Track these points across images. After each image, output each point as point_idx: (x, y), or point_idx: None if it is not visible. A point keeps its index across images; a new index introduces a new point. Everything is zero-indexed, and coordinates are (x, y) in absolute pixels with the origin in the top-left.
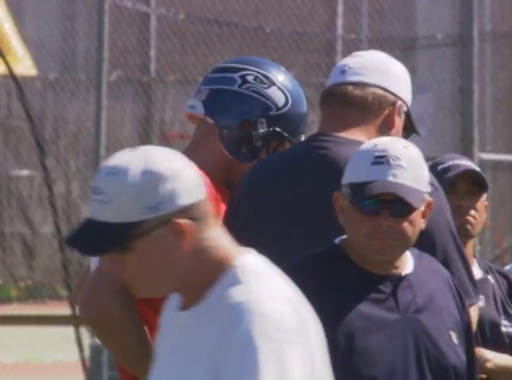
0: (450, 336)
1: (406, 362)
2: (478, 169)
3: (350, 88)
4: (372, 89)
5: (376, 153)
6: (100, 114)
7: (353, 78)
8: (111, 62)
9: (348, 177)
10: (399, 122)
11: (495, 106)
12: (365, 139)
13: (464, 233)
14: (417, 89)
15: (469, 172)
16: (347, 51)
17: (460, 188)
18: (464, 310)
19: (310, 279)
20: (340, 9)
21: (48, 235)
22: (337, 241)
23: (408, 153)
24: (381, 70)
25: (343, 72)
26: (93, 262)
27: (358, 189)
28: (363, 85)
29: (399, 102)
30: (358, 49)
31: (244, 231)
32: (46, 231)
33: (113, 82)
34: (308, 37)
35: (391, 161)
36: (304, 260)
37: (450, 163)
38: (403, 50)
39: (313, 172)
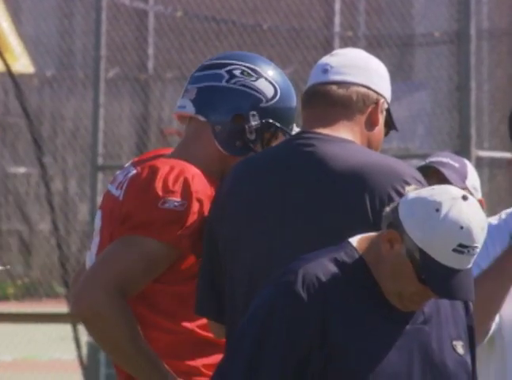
0: (454, 347)
1: (413, 374)
2: (431, 164)
3: (334, 87)
4: (356, 88)
5: (463, 241)
6: (97, 111)
7: (336, 77)
8: (108, 59)
9: (420, 240)
10: (381, 119)
11: (492, 103)
12: (350, 137)
13: None
14: (414, 87)
15: (425, 167)
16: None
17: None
18: (467, 315)
19: (333, 284)
20: (337, 7)
21: (45, 232)
22: (356, 243)
23: (484, 234)
24: (363, 68)
25: (325, 71)
26: (89, 259)
27: (433, 269)
28: (346, 84)
29: (382, 99)
30: (355, 46)
31: (231, 232)
32: (43, 228)
33: (111, 79)
34: (306, 34)
35: (471, 252)
36: (324, 260)
37: (431, 159)
38: (401, 47)
39: (300, 169)
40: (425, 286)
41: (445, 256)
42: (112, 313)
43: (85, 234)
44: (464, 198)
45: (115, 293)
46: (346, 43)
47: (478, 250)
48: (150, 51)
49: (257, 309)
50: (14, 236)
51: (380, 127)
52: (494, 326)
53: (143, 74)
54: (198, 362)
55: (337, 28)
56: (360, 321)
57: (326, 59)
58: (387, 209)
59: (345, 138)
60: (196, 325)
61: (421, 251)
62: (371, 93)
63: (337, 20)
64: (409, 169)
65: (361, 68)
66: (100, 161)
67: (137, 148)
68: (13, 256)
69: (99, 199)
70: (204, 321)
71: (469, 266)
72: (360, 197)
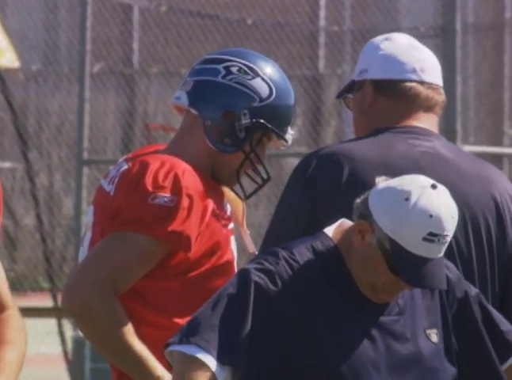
0: (428, 336)
1: (389, 364)
2: None
3: (431, 93)
4: (442, 93)
5: (433, 229)
6: (83, 106)
7: (433, 80)
8: (94, 54)
9: (390, 229)
10: None
11: (478, 98)
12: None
13: None
14: None
15: None
16: (330, 43)
17: None
18: (447, 301)
19: (308, 272)
20: (322, 1)
21: (31, 227)
22: (331, 233)
23: (455, 223)
24: (439, 70)
25: (422, 71)
26: (81, 254)
27: (404, 259)
28: (439, 88)
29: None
30: (341, 41)
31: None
32: (28, 223)
33: (96, 74)
34: (291, 29)
35: (441, 240)
36: (302, 248)
37: None
38: None
39: (420, 164)
40: (396, 276)
41: (415, 245)
42: (102, 308)
43: (70, 229)
44: (434, 186)
45: (105, 288)
46: (332, 37)
47: (448, 239)
48: (136, 45)
49: (230, 283)
50: None
51: None
52: None
53: (128, 69)
54: None
55: (322, 23)
56: (335, 310)
57: (413, 53)
58: (358, 200)
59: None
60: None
61: (391, 241)
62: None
63: (322, 14)
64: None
65: (439, 70)
66: (85, 155)
67: (122, 142)
68: None
69: (84, 194)
70: None
71: (440, 255)
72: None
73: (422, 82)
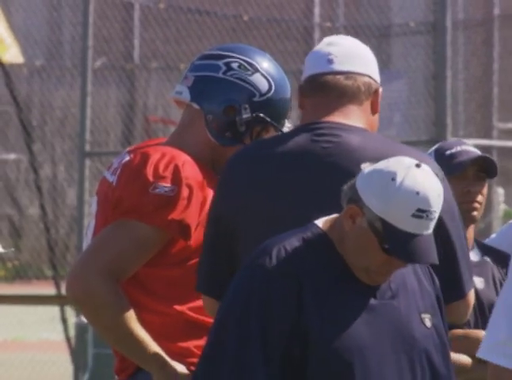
0: (423, 320)
1: (383, 347)
2: (489, 155)
3: (342, 78)
4: (361, 78)
5: (421, 205)
6: (85, 100)
7: (343, 68)
8: (96, 49)
9: (380, 210)
10: (379, 107)
11: (467, 92)
12: (363, 126)
13: (470, 218)
14: (391, 76)
15: (481, 158)
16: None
17: (470, 173)
18: (434, 286)
19: (297, 261)
20: None
21: (35, 217)
22: (321, 223)
23: (441, 200)
24: (362, 58)
25: (330, 61)
26: (85, 244)
27: (395, 237)
28: (353, 74)
29: (380, 88)
30: None
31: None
32: (33, 213)
33: (98, 69)
34: (286, 25)
35: (429, 216)
36: (293, 240)
37: (459, 148)
38: (378, 37)
39: (324, 160)
40: (389, 256)
41: (405, 222)
42: (105, 295)
43: (73, 218)
44: (418, 166)
45: (108, 276)
46: (326, 33)
47: (436, 215)
48: (136, 41)
49: (236, 293)
50: (5, 220)
51: (378, 115)
52: None
53: (128, 64)
54: (190, 344)
55: (317, 19)
56: (330, 297)
57: (326, 48)
58: (345, 187)
59: (362, 128)
60: (188, 308)
61: (382, 220)
62: (372, 81)
63: (316, 11)
64: (428, 158)
65: (361, 58)
66: (87, 147)
67: (123, 135)
68: (3, 240)
69: (86, 185)
70: (195, 303)
71: (429, 231)
72: None
73: (334, 73)
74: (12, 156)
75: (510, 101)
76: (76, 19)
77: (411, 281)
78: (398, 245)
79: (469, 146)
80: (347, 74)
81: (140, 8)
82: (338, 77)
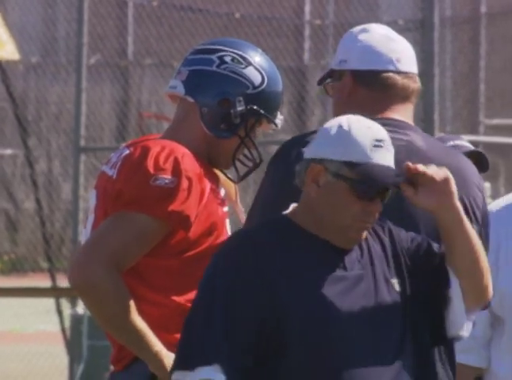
0: (393, 285)
1: (357, 316)
2: (481, 150)
3: (407, 82)
4: (417, 80)
5: (377, 136)
6: (80, 96)
7: (409, 69)
8: (90, 46)
9: (341, 154)
10: None
11: (455, 89)
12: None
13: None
14: None
15: (475, 153)
16: (314, 37)
17: None
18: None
19: (262, 244)
20: None
21: (31, 211)
22: (287, 211)
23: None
24: (414, 59)
25: (398, 60)
26: (84, 234)
27: (361, 172)
28: (414, 74)
29: None
30: (324, 34)
31: None
32: (28, 207)
33: (92, 66)
34: (277, 23)
35: (387, 146)
36: (258, 226)
37: (451, 143)
38: None
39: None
40: (363, 201)
41: (369, 154)
42: (107, 285)
43: (68, 212)
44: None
45: (109, 266)
46: (316, 31)
47: (391, 148)
48: (130, 38)
49: (207, 280)
50: (1, 214)
51: None
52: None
53: (123, 61)
54: None
55: (307, 17)
56: (300, 273)
57: (389, 44)
58: (297, 166)
59: (418, 128)
60: (185, 299)
61: (347, 164)
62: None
63: (307, 9)
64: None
65: (414, 58)
66: (82, 143)
67: (117, 130)
68: (0, 234)
69: (81, 179)
70: (192, 295)
71: (392, 164)
72: None
73: (398, 72)
74: (8, 151)
75: (496, 98)
76: (71, 16)
77: (376, 250)
78: (369, 177)
79: (463, 141)
80: (412, 75)
81: (134, 5)
82: (403, 77)
